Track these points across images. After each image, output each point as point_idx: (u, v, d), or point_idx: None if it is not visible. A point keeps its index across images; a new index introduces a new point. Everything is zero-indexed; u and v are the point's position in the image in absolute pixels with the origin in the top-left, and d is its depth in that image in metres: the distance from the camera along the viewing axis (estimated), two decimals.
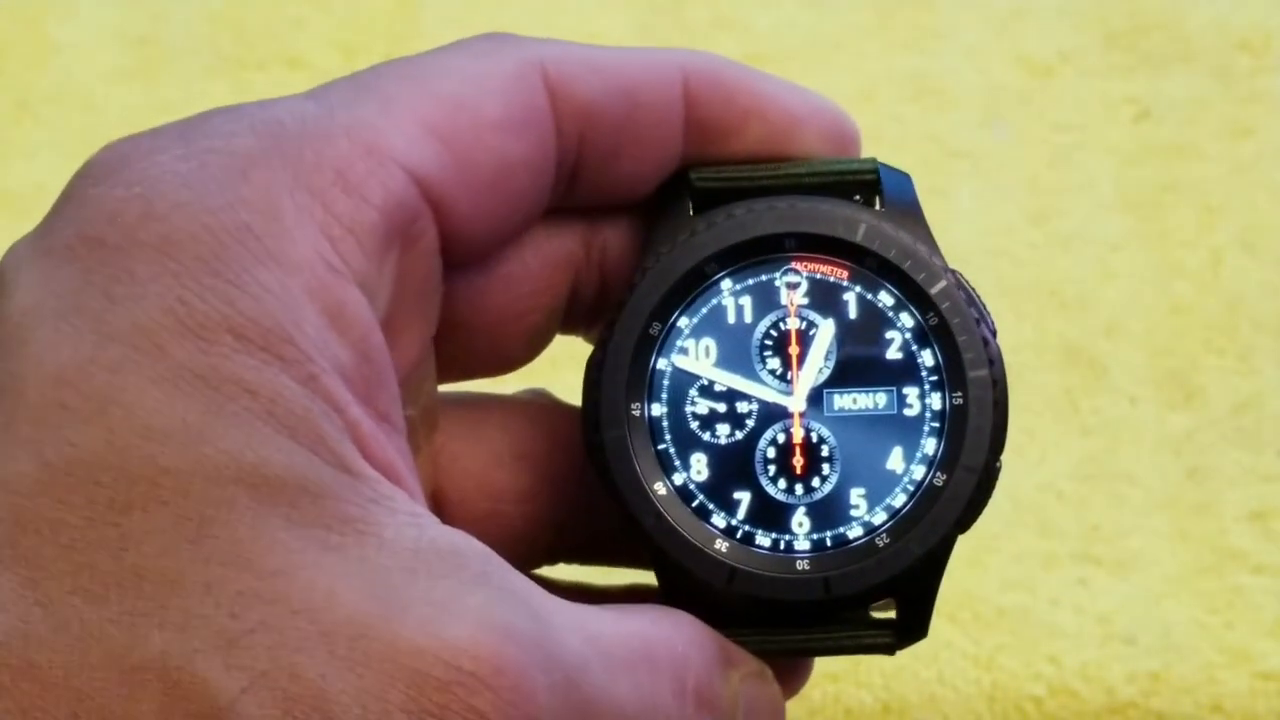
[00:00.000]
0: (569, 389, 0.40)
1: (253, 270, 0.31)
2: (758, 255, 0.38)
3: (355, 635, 0.29)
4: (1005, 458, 0.38)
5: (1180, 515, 0.62)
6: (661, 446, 0.38)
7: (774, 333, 0.38)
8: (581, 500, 0.40)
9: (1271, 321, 0.66)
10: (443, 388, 0.39)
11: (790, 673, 0.39)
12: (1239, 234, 0.68)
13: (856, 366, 0.38)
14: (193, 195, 0.31)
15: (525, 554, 0.39)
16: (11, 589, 0.29)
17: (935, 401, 0.38)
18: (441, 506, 0.39)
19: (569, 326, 0.41)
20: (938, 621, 0.59)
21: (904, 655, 0.59)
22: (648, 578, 0.39)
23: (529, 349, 0.40)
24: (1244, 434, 0.63)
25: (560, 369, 0.44)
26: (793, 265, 0.38)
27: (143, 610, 0.29)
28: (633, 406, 0.38)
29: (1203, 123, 0.71)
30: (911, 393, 0.38)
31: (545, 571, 0.42)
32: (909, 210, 0.39)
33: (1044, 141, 0.71)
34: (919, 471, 0.37)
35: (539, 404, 0.41)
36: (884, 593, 0.38)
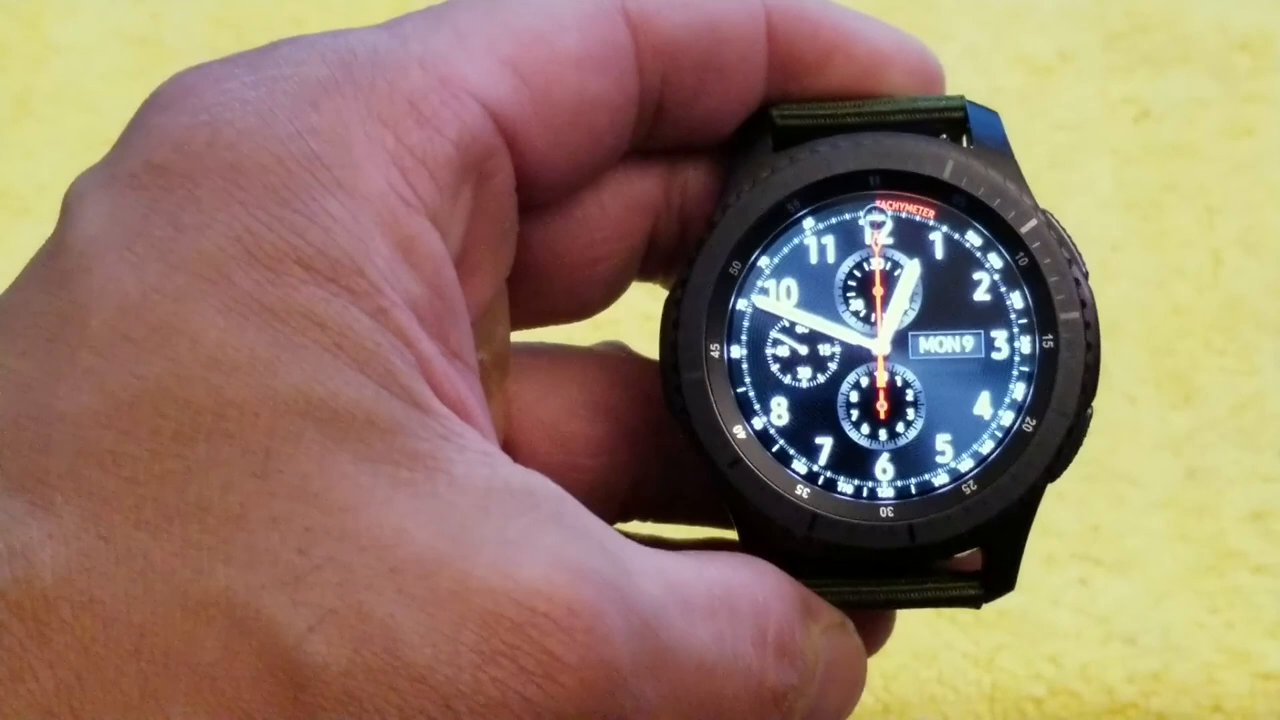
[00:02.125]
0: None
1: (321, 200, 0.30)
2: (841, 193, 0.37)
3: (425, 573, 0.28)
4: None
5: (1180, 515, 0.62)
6: (741, 389, 0.37)
7: (858, 273, 0.37)
8: (658, 455, 0.39)
9: (1271, 321, 0.66)
10: (516, 337, 0.39)
11: (872, 626, 0.38)
12: (1239, 234, 0.68)
13: (943, 309, 0.37)
14: (261, 123, 0.30)
15: (599, 509, 0.38)
16: (74, 522, 0.28)
17: (1025, 345, 0.37)
18: (514, 457, 0.38)
19: (647, 273, 0.40)
20: (938, 621, 0.59)
21: (904, 655, 0.59)
22: (725, 535, 0.38)
23: (605, 295, 0.39)
24: (1244, 434, 0.63)
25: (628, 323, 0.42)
26: (877, 204, 0.37)
27: (207, 545, 0.28)
28: (712, 348, 0.37)
29: (1203, 123, 0.71)
30: (1000, 336, 0.37)
31: (619, 527, 0.41)
32: (998, 149, 0.37)
33: (1044, 141, 0.71)
34: (1007, 417, 0.36)
35: (616, 356, 0.40)
36: (970, 542, 0.37)
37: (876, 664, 0.59)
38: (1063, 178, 0.70)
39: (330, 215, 0.30)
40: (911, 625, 0.58)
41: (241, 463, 0.28)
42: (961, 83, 0.73)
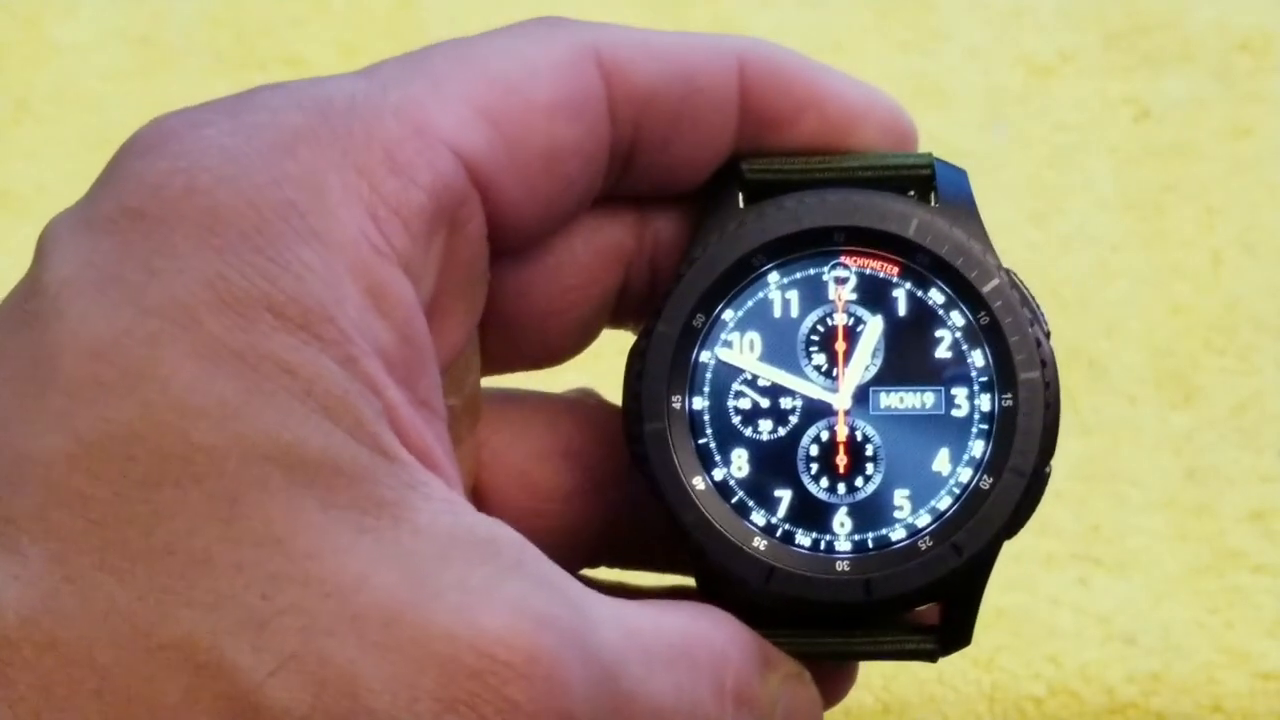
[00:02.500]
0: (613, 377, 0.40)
1: (295, 248, 0.30)
2: (806, 248, 0.37)
3: (387, 620, 0.28)
4: None
5: (1180, 515, 0.62)
6: (702, 441, 0.37)
7: (821, 328, 0.37)
8: (626, 503, 0.39)
9: (1271, 321, 0.66)
10: (488, 382, 0.39)
11: (833, 678, 0.39)
12: (1239, 234, 0.68)
13: (904, 365, 0.37)
14: (238, 170, 0.31)
15: (566, 555, 0.38)
16: (39, 564, 0.28)
17: (984, 403, 0.37)
18: (482, 502, 0.39)
19: (618, 320, 0.40)
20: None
21: None
22: (691, 582, 0.38)
23: (576, 341, 0.39)
24: (1244, 434, 0.63)
25: (604, 359, 0.43)
26: (842, 260, 0.37)
27: (171, 588, 0.28)
28: (674, 399, 0.37)
29: (1203, 123, 0.71)
30: (960, 393, 0.37)
31: (587, 573, 0.41)
32: (964, 207, 0.38)
33: (1044, 141, 0.71)
34: (965, 474, 0.37)
35: (586, 403, 0.41)
36: (926, 597, 0.37)
37: (876, 664, 0.59)
38: (1063, 178, 0.70)
39: (303, 263, 0.30)
40: None
41: (208, 508, 0.28)
42: (962, 82, 0.73)
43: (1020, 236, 0.68)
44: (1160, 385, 0.65)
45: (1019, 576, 0.61)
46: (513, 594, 0.29)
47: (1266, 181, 0.69)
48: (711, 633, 0.34)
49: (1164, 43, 0.73)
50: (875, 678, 0.59)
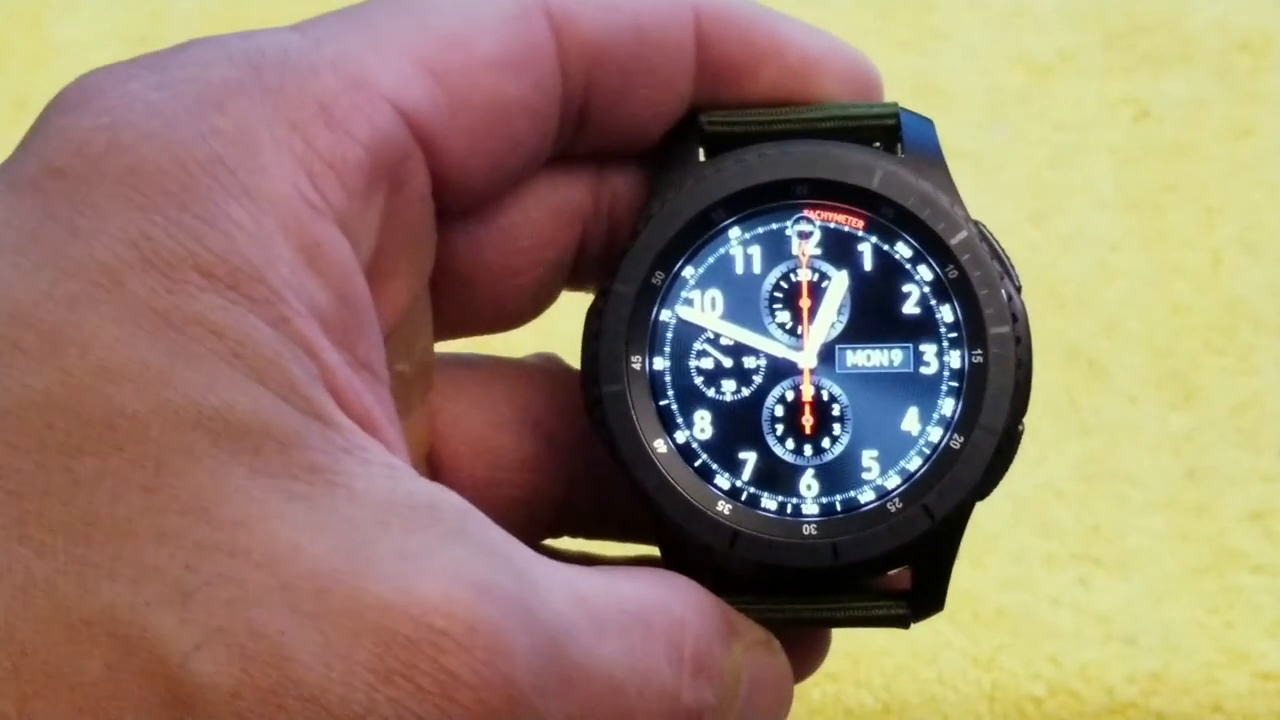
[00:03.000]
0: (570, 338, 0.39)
1: (223, 205, 0.29)
2: (768, 202, 0.36)
3: (319, 590, 0.27)
4: None
5: (1180, 515, 0.62)
6: (663, 402, 0.36)
7: (784, 284, 0.36)
8: (588, 471, 0.38)
9: (1271, 321, 0.66)
10: (445, 348, 0.38)
11: (806, 647, 0.38)
12: (1239, 234, 0.68)
13: (871, 321, 0.36)
14: (162, 125, 0.29)
15: (526, 525, 0.37)
16: None
17: (954, 359, 0.36)
18: (438, 472, 0.38)
19: (576, 282, 0.39)
20: (938, 621, 0.59)
21: (904, 655, 0.59)
22: (658, 552, 0.37)
23: (533, 304, 0.38)
24: (1244, 434, 0.63)
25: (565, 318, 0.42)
26: (805, 213, 0.36)
27: (92, 560, 0.27)
28: (633, 360, 0.36)
29: (1203, 123, 0.71)
30: (929, 350, 0.36)
31: (549, 543, 0.40)
32: (931, 158, 0.37)
33: (1044, 141, 0.71)
34: (935, 433, 0.36)
35: (547, 369, 0.40)
36: (896, 561, 0.36)
37: (876, 664, 0.59)
38: (1063, 178, 0.70)
39: (232, 220, 0.29)
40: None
41: (130, 476, 0.27)
42: (962, 82, 0.73)
43: (1020, 236, 0.68)
44: (1160, 385, 0.65)
45: (1019, 576, 0.61)
46: (452, 561, 0.28)
47: (1266, 181, 0.69)
48: (669, 599, 0.33)
49: (1164, 43, 0.73)
50: (876, 677, 0.59)
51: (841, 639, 0.42)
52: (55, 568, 0.27)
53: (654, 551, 0.38)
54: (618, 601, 0.31)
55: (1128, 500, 0.62)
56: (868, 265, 0.36)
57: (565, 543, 0.41)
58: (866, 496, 0.36)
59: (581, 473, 0.39)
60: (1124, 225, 0.69)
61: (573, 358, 0.39)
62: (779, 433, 0.36)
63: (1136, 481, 0.63)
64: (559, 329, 0.42)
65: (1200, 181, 0.69)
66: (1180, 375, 0.65)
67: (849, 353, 0.36)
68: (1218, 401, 0.64)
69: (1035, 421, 0.64)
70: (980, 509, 0.37)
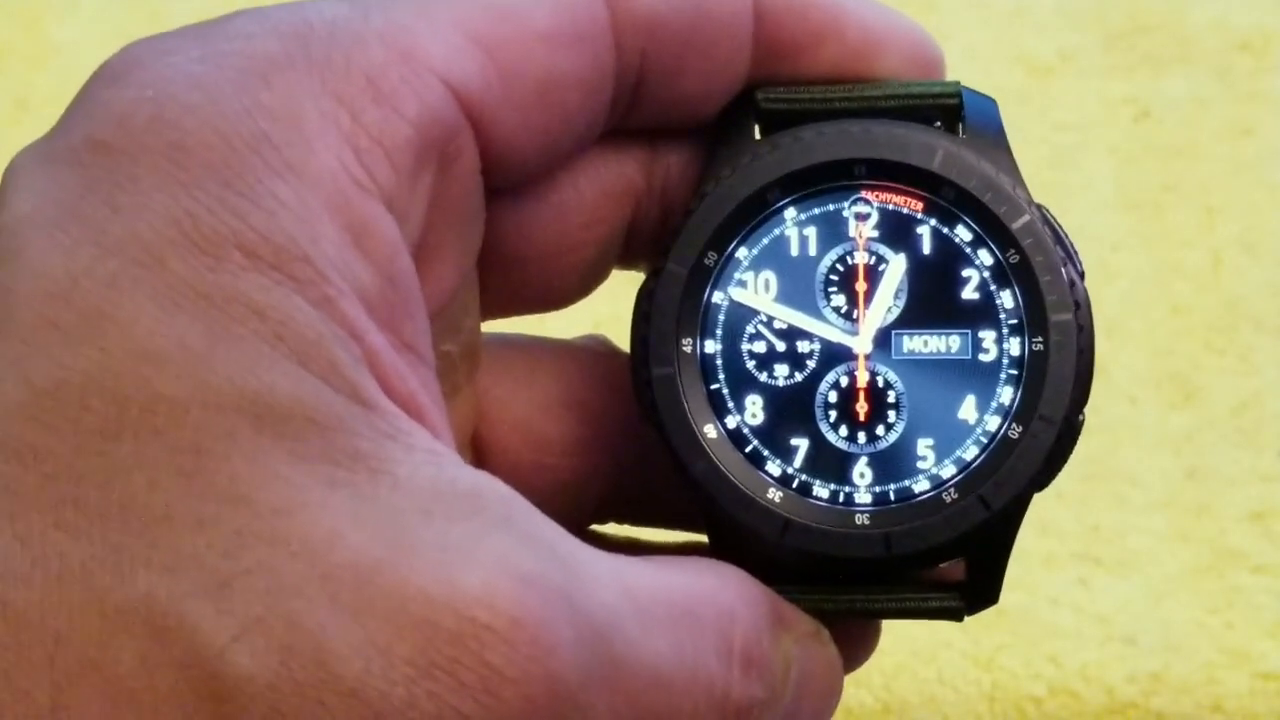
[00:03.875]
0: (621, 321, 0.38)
1: (267, 182, 0.28)
2: (825, 182, 0.35)
3: (360, 581, 0.26)
4: None
5: (1180, 515, 0.62)
6: (714, 386, 0.35)
7: (840, 267, 0.35)
8: (636, 455, 0.37)
9: (1271, 321, 0.66)
10: (492, 329, 0.37)
11: (855, 639, 0.37)
12: (1239, 234, 0.68)
13: (929, 306, 0.35)
14: (206, 99, 0.29)
15: (572, 511, 0.36)
16: None
17: (1014, 347, 0.35)
18: (484, 456, 0.37)
19: (627, 260, 0.38)
20: (936, 621, 0.59)
21: (904, 655, 0.59)
22: (706, 539, 0.37)
23: (582, 283, 0.37)
24: (1244, 434, 0.63)
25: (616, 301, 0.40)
26: (862, 194, 0.35)
27: (129, 547, 0.26)
28: (684, 342, 0.35)
29: (1203, 123, 0.71)
30: (988, 336, 0.35)
31: (595, 529, 0.39)
32: (994, 139, 0.36)
33: (1044, 141, 0.71)
34: (993, 422, 0.35)
35: (596, 350, 0.39)
36: (950, 553, 0.35)
37: (876, 663, 0.59)
38: (1063, 178, 0.70)
39: (276, 198, 0.28)
40: (911, 625, 0.58)
41: (169, 461, 0.27)
42: (962, 82, 0.73)
43: None
44: (1160, 385, 0.65)
45: (1019, 576, 0.61)
46: (496, 551, 0.27)
47: (1266, 181, 0.69)
48: (718, 589, 0.32)
49: (1164, 43, 0.73)
50: (875, 677, 0.58)
51: None
52: (91, 554, 0.26)
53: (702, 538, 0.37)
54: (665, 593, 0.30)
55: (1128, 500, 0.62)
56: (926, 249, 0.35)
57: (611, 528, 0.40)
58: (921, 486, 0.35)
59: (629, 457, 0.38)
60: (1124, 225, 0.69)
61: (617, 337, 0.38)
62: (832, 419, 0.35)
63: (1136, 481, 0.63)
64: (598, 312, 0.40)
65: (1200, 181, 0.69)
66: (1180, 375, 0.65)
67: (905, 338, 0.35)
68: (1218, 401, 0.64)
69: None
70: None
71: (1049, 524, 0.61)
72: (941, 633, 0.59)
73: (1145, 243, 0.68)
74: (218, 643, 0.26)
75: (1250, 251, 0.68)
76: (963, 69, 0.73)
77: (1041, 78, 0.73)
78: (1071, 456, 0.35)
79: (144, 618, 0.26)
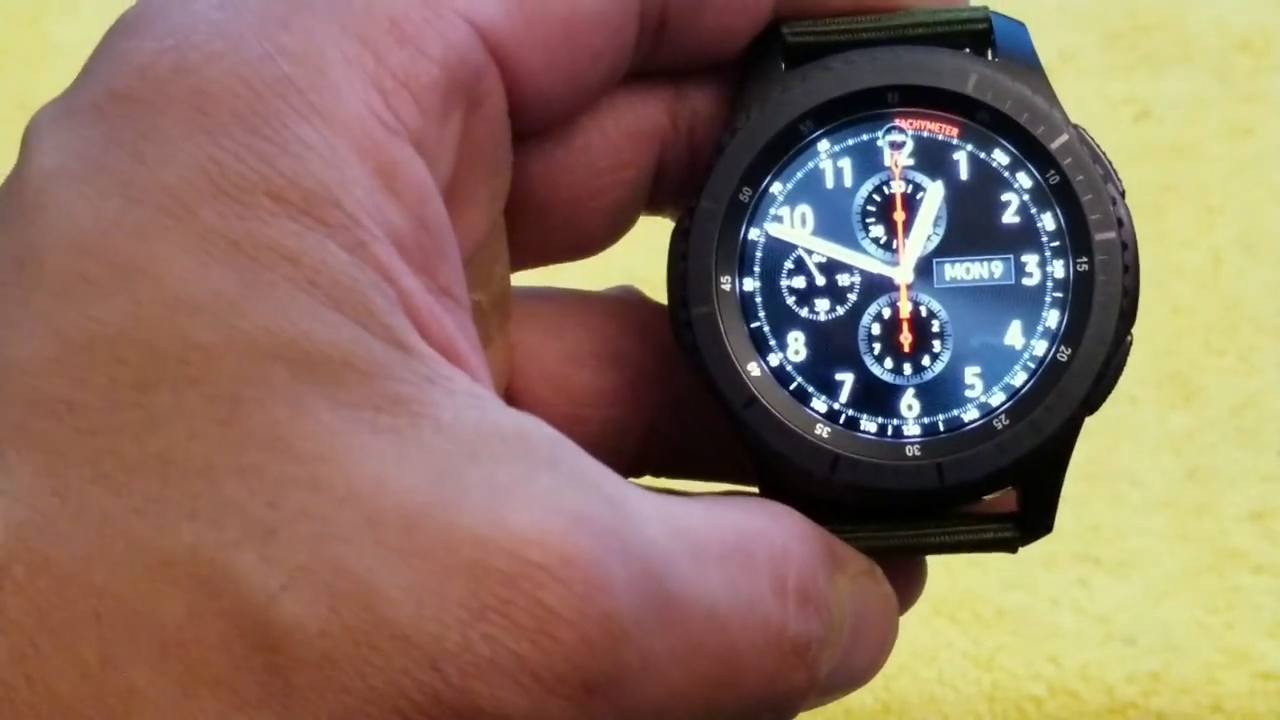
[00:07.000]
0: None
1: (294, 126, 0.28)
2: (857, 112, 0.35)
3: (408, 525, 0.26)
4: None
5: (1180, 515, 0.62)
6: (755, 324, 0.35)
7: (877, 197, 0.35)
8: (671, 407, 0.37)
9: (1271, 321, 0.66)
10: (522, 280, 0.36)
11: (904, 577, 0.36)
12: (1239, 234, 0.68)
13: (969, 233, 0.35)
14: (227, 46, 0.28)
15: (607, 463, 0.35)
16: (27, 478, 0.26)
17: (1058, 269, 0.34)
18: (517, 408, 0.35)
19: (655, 205, 0.37)
20: (937, 621, 0.59)
21: (904, 655, 0.59)
22: (743, 491, 0.36)
23: (610, 229, 0.37)
24: (1244, 434, 0.63)
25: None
26: (896, 122, 0.35)
27: (170, 499, 0.26)
28: (723, 280, 0.34)
29: (1203, 123, 0.71)
30: (1031, 260, 0.34)
31: (631, 481, 0.39)
32: (1026, 62, 0.35)
33: None
34: (1040, 346, 0.34)
35: (627, 301, 0.38)
36: (1003, 481, 0.34)
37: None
38: None
39: (303, 142, 0.28)
40: (911, 625, 0.58)
41: (207, 411, 0.26)
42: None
43: None
44: (1160, 385, 0.65)
45: (1019, 576, 0.61)
46: (545, 491, 0.27)
47: (1266, 181, 0.69)
48: (770, 528, 0.31)
49: (1164, 43, 0.73)
50: (875, 677, 0.58)
51: None
52: (132, 508, 0.26)
53: (739, 490, 0.37)
54: (717, 531, 0.30)
55: (1128, 500, 0.62)
56: (964, 174, 0.35)
57: (649, 482, 0.39)
58: (970, 415, 0.34)
59: (665, 407, 0.37)
60: None
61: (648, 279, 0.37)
62: (876, 352, 0.35)
63: (1136, 481, 0.63)
64: (618, 265, 0.40)
65: (1200, 181, 0.69)
66: (1180, 375, 0.65)
67: (947, 266, 0.35)
68: (1218, 401, 0.64)
69: None
70: None
71: None
72: (942, 633, 0.59)
73: (1145, 243, 0.68)
74: (266, 592, 0.26)
75: (1250, 251, 0.68)
76: None
77: None
78: (1116, 383, 0.35)
79: (189, 570, 0.26)
